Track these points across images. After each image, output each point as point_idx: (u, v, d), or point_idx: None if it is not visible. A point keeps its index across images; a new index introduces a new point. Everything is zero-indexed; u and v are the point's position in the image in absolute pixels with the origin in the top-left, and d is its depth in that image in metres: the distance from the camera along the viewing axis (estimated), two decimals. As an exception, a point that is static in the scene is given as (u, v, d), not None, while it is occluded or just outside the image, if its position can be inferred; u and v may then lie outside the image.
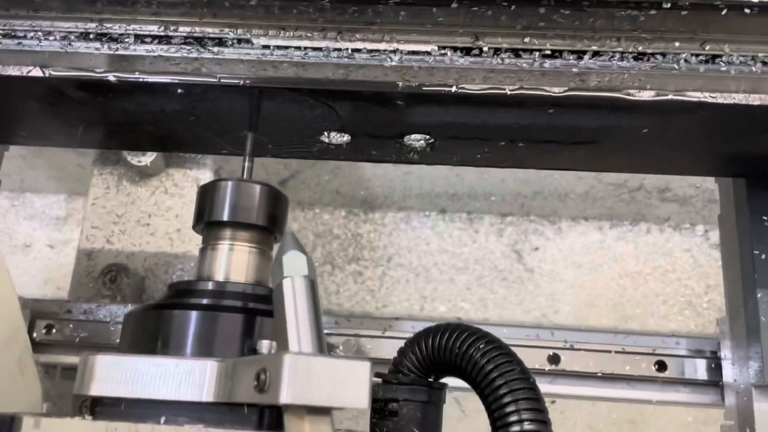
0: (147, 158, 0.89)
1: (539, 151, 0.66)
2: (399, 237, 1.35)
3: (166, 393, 0.45)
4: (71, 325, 0.78)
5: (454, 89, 0.56)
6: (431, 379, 0.54)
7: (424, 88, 0.56)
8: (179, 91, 0.58)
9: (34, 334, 0.78)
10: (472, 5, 0.56)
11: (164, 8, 0.59)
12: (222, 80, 0.57)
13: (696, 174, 0.71)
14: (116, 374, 0.46)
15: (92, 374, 0.46)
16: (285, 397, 0.38)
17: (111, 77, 0.57)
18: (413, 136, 0.62)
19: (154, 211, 0.91)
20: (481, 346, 0.51)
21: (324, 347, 0.43)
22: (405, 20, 0.58)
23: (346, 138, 0.62)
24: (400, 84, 0.56)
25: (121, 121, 0.65)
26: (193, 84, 0.58)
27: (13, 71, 0.58)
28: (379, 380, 0.53)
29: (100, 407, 0.47)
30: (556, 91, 0.56)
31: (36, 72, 0.58)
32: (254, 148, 0.62)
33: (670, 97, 0.56)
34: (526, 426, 0.47)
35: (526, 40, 0.59)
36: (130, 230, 0.90)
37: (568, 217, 1.39)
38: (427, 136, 0.62)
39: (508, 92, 0.56)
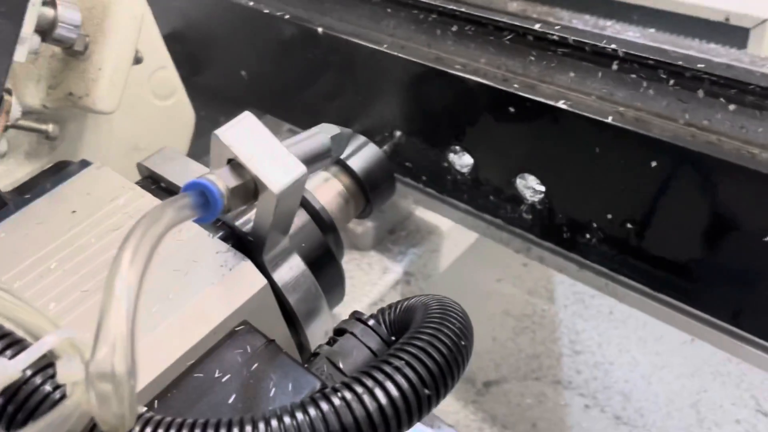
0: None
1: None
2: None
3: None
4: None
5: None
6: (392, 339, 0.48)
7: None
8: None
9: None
10: (629, 72, 0.58)
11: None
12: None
13: None
14: (170, 159, 0.54)
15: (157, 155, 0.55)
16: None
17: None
18: (530, 179, 0.61)
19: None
20: (440, 309, 0.45)
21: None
22: (572, 84, 0.61)
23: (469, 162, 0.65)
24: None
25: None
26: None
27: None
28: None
29: (147, 180, 0.55)
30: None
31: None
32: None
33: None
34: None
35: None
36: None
37: None
38: (542, 187, 0.61)
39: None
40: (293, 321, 0.51)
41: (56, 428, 0.32)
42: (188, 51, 0.88)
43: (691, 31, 1.18)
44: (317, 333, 0.52)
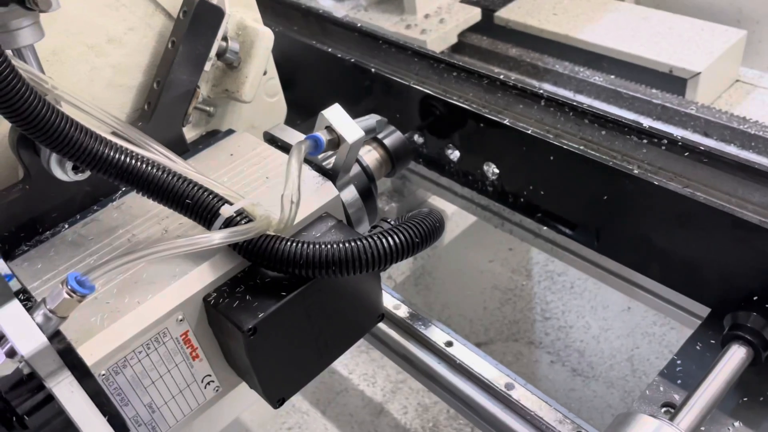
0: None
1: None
2: None
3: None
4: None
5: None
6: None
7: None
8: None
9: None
10: (550, 107, 0.97)
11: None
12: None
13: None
14: (282, 130, 0.95)
15: (276, 128, 0.96)
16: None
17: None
18: (492, 166, 1.01)
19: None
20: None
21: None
22: (522, 113, 1.01)
23: (458, 155, 1.05)
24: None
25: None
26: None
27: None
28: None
29: (269, 141, 0.95)
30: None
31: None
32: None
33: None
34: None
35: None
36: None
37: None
38: (497, 170, 1.01)
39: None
40: (350, 223, 0.90)
41: (249, 230, 0.71)
42: (280, 74, 1.30)
43: (642, 78, 1.56)
44: (361, 232, 0.92)
